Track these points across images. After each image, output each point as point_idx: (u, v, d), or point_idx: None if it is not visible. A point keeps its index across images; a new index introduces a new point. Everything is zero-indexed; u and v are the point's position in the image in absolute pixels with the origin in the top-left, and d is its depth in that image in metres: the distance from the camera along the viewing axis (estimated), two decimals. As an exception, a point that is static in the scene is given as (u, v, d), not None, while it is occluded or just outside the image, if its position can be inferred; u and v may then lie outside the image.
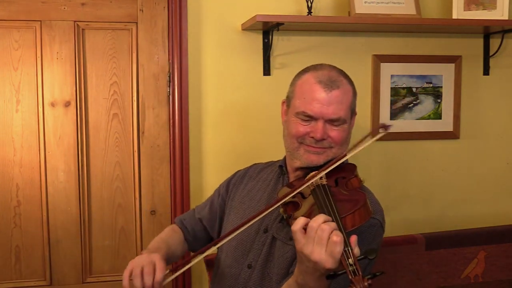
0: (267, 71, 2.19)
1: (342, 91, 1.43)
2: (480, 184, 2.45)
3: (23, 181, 2.11)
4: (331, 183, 1.36)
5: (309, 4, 2.09)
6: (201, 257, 1.33)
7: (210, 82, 2.17)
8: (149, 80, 2.15)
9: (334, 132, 1.43)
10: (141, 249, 2.19)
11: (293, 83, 1.51)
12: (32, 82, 2.09)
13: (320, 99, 1.41)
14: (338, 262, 1.08)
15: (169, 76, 2.15)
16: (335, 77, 1.44)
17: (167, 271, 1.33)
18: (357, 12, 2.12)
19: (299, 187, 1.32)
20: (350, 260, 1.08)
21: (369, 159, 2.33)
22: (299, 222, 1.13)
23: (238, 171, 1.72)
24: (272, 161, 1.71)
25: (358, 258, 1.09)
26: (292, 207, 1.35)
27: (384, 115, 2.31)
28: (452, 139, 2.40)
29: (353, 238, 1.09)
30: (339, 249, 1.07)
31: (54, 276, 2.16)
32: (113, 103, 2.15)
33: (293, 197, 1.34)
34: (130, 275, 1.31)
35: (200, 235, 1.68)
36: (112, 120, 2.16)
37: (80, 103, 2.12)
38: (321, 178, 1.34)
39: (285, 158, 1.58)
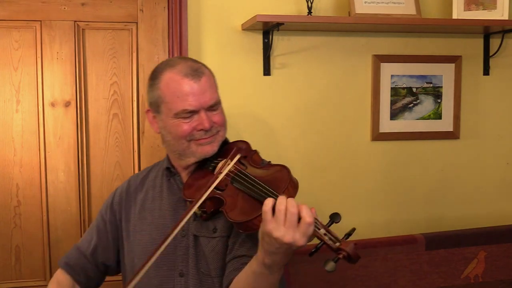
0: (267, 71, 2.19)
1: (207, 76, 1.44)
2: (480, 184, 2.45)
3: (23, 181, 2.11)
4: (240, 167, 1.38)
5: (309, 4, 2.09)
6: (134, 281, 1.25)
7: (210, 82, 2.17)
8: (149, 80, 2.15)
9: (216, 117, 1.45)
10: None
11: (154, 88, 1.45)
12: (32, 82, 2.09)
13: (194, 91, 1.40)
14: (311, 238, 1.11)
15: (169, 76, 2.15)
16: (196, 66, 1.45)
17: None
18: (357, 12, 2.12)
19: (213, 182, 1.31)
20: (322, 231, 1.11)
21: (369, 159, 2.33)
22: (269, 203, 1.14)
23: (116, 190, 1.63)
24: (148, 167, 1.66)
25: (328, 226, 1.13)
26: (215, 203, 1.34)
27: (384, 115, 2.32)
28: (452, 139, 2.40)
29: (313, 210, 1.12)
30: (312, 228, 1.10)
31: (54, 276, 2.16)
32: (113, 103, 2.15)
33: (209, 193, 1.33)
34: None
35: (93, 274, 1.58)
36: (112, 120, 2.16)
37: (80, 103, 2.12)
38: (228, 165, 1.35)
39: (168, 160, 1.55)
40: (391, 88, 2.32)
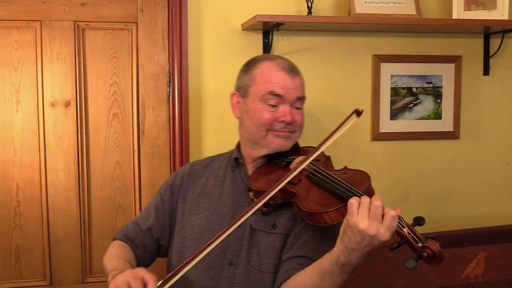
0: (267, 71, 2.19)
1: (301, 77, 1.50)
2: (480, 184, 2.45)
3: (23, 181, 2.11)
4: (316, 165, 1.39)
5: (309, 4, 2.09)
6: (192, 264, 1.25)
7: (210, 82, 2.17)
8: (149, 80, 2.15)
9: (298, 116, 1.48)
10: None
11: (248, 73, 1.50)
12: (32, 82, 2.09)
13: (287, 83, 1.45)
14: (394, 234, 1.12)
15: (169, 76, 2.15)
16: (293, 65, 1.50)
17: (160, 282, 1.21)
18: (357, 12, 2.12)
19: (291, 174, 1.31)
20: (406, 230, 1.12)
21: (370, 159, 2.33)
22: (355, 198, 1.15)
23: (177, 172, 1.65)
24: (210, 157, 1.67)
25: (413, 225, 1.14)
26: (284, 196, 1.35)
27: (384, 115, 2.31)
28: (452, 139, 2.40)
29: (398, 209, 1.14)
30: (396, 221, 1.11)
31: (54, 276, 2.16)
32: (113, 103, 2.15)
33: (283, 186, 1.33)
34: None
35: (150, 248, 1.56)
36: (112, 120, 2.16)
37: (80, 103, 2.12)
38: (306, 160, 1.35)
39: (237, 150, 1.57)
40: (391, 88, 2.32)
